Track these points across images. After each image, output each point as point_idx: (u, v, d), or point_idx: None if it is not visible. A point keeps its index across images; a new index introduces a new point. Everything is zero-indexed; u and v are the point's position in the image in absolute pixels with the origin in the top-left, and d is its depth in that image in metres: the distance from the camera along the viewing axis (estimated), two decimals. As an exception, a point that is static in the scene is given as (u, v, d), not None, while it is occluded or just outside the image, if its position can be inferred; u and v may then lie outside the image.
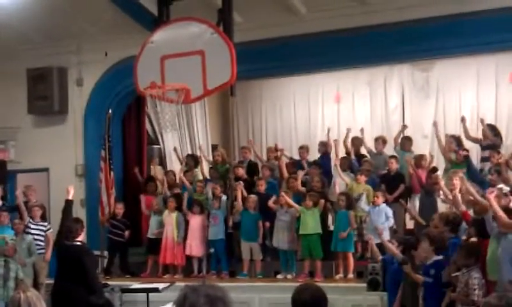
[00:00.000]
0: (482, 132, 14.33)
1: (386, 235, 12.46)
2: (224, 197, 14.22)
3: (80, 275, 9.49)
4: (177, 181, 15.44)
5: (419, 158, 14.19)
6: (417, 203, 13.87)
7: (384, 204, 13.13)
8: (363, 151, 15.40)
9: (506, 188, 10.58)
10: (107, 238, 14.78)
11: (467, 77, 16.57)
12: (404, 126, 15.47)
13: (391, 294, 10.48)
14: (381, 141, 15.08)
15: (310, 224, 13.11)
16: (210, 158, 16.53)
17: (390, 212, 13.09)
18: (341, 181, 14.14)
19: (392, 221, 13.06)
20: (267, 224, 13.88)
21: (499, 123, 15.35)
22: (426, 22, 13.09)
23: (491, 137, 13.88)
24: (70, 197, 10.57)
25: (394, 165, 14.03)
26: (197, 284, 3.44)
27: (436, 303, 9.42)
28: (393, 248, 10.38)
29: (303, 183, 14.23)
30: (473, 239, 9.84)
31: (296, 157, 16.12)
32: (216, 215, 14.05)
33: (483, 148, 14.01)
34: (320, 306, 4.95)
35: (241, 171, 14.97)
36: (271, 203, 13.72)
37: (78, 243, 9.88)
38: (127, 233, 14.66)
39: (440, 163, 14.80)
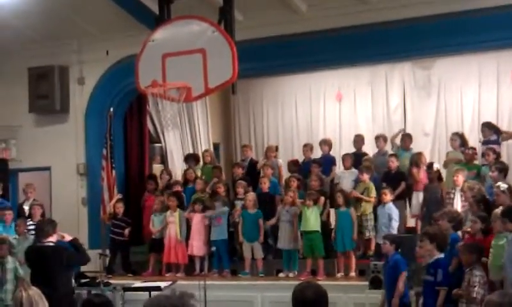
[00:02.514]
0: (481, 129, 14.35)
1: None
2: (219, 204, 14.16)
3: (51, 276, 9.44)
4: (172, 180, 15.51)
5: (418, 157, 14.16)
6: (420, 200, 13.84)
7: (390, 204, 13.10)
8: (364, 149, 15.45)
9: (504, 186, 10.61)
10: (109, 238, 14.76)
11: (468, 75, 16.54)
12: (401, 130, 15.42)
13: (388, 291, 10.55)
14: (382, 139, 15.08)
15: (311, 221, 13.10)
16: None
17: (395, 213, 13.05)
18: (343, 179, 14.25)
19: (395, 224, 12.97)
20: (273, 221, 13.87)
21: (500, 122, 15.35)
22: (427, 19, 13.07)
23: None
24: (69, 238, 10.36)
25: (394, 164, 14.03)
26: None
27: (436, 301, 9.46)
28: None
29: (305, 183, 14.31)
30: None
31: (297, 155, 16.17)
32: (219, 215, 14.02)
33: (483, 143, 14.03)
34: (322, 303, 4.94)
35: (240, 170, 15.00)
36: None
37: (51, 243, 9.80)
38: (126, 231, 14.65)
39: (441, 161, 14.81)
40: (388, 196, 13.08)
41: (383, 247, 10.97)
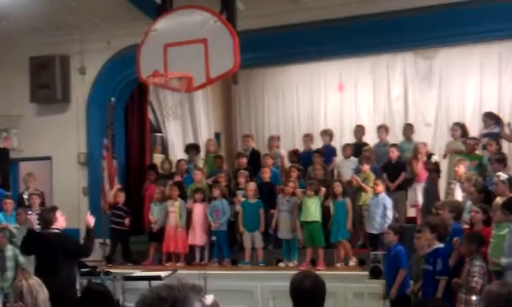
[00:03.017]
0: (482, 119, 14.36)
1: (384, 226, 12.57)
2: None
3: (54, 264, 9.44)
4: (173, 169, 15.53)
5: (417, 148, 14.18)
6: (419, 191, 13.86)
7: (383, 194, 13.09)
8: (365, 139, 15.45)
9: (504, 176, 10.62)
10: (110, 227, 14.75)
11: (470, 66, 16.55)
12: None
13: (389, 281, 10.59)
14: (383, 129, 15.10)
15: (312, 211, 13.11)
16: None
17: (389, 203, 13.02)
18: (343, 168, 14.30)
19: (389, 213, 12.93)
20: (273, 211, 13.87)
21: (502, 112, 15.35)
22: (429, 10, 13.04)
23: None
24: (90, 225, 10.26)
25: (395, 154, 14.04)
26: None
27: (435, 291, 9.47)
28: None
29: (305, 173, 14.34)
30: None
31: (298, 145, 16.19)
32: (218, 207, 13.99)
33: (483, 136, 14.03)
34: (320, 293, 4.98)
35: (244, 160, 15.00)
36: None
37: (55, 231, 9.80)
38: (127, 220, 14.64)
39: (442, 151, 14.81)
40: (379, 187, 13.04)
41: (386, 236, 10.98)
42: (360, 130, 15.46)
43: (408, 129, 15.04)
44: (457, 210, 10.57)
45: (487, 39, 14.32)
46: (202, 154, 16.35)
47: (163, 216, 14.40)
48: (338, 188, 13.17)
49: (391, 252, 10.65)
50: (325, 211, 13.36)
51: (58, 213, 9.83)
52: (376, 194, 13.05)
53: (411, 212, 14.34)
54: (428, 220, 10.16)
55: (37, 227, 13.17)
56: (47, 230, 9.74)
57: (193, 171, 15.12)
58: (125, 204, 14.87)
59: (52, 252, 9.50)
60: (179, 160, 15.72)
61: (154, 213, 14.57)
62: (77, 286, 10.53)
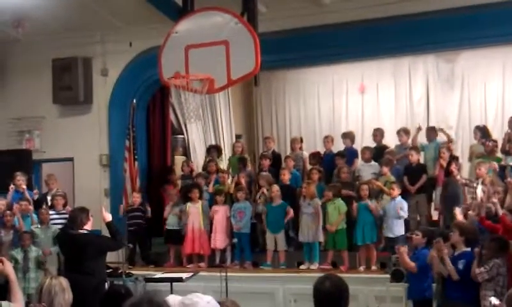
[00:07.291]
0: (508, 124, 14.23)
1: (401, 229, 12.55)
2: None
3: (88, 263, 9.51)
4: (193, 172, 15.56)
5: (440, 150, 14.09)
6: (438, 195, 13.77)
7: (400, 198, 12.99)
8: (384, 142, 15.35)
9: None
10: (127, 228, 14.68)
11: (492, 68, 16.49)
12: (419, 129, 14.94)
13: (410, 284, 10.55)
14: (403, 132, 14.95)
15: (334, 219, 13.10)
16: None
17: (404, 205, 12.95)
18: (363, 172, 14.20)
19: (404, 215, 12.87)
20: (292, 212, 13.81)
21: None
22: (451, 12, 13.01)
23: None
24: (108, 220, 10.18)
25: (415, 157, 13.93)
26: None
27: (460, 294, 9.38)
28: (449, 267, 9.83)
29: (326, 176, 14.30)
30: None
31: (319, 147, 16.13)
32: (241, 209, 14.00)
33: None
34: (343, 296, 4.99)
35: (267, 162, 14.95)
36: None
37: (85, 232, 9.82)
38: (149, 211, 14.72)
39: (465, 154, 14.74)
40: (395, 191, 12.96)
41: (414, 239, 10.90)
42: (377, 134, 15.24)
43: (431, 132, 14.83)
44: (468, 234, 10.22)
45: (509, 41, 14.22)
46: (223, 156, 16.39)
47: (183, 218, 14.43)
48: (365, 191, 13.12)
49: (416, 254, 10.60)
50: (348, 213, 13.33)
51: (90, 215, 9.91)
52: (393, 198, 12.99)
53: (436, 215, 14.19)
54: (457, 222, 10.07)
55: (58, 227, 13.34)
56: (76, 231, 9.77)
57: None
58: (142, 206, 14.85)
59: (85, 252, 9.56)
60: (210, 161, 15.72)
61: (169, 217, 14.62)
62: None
